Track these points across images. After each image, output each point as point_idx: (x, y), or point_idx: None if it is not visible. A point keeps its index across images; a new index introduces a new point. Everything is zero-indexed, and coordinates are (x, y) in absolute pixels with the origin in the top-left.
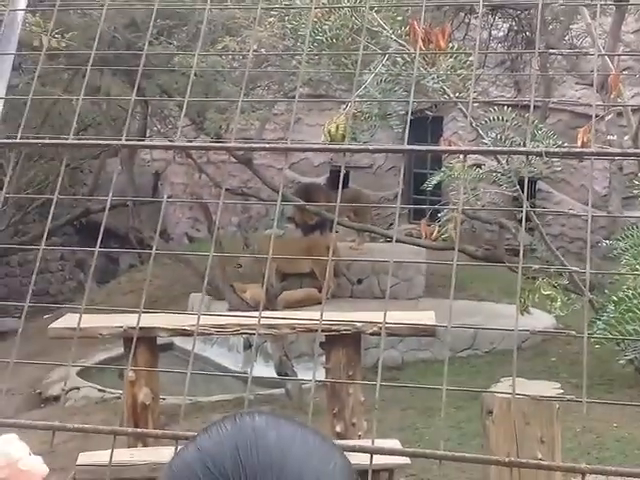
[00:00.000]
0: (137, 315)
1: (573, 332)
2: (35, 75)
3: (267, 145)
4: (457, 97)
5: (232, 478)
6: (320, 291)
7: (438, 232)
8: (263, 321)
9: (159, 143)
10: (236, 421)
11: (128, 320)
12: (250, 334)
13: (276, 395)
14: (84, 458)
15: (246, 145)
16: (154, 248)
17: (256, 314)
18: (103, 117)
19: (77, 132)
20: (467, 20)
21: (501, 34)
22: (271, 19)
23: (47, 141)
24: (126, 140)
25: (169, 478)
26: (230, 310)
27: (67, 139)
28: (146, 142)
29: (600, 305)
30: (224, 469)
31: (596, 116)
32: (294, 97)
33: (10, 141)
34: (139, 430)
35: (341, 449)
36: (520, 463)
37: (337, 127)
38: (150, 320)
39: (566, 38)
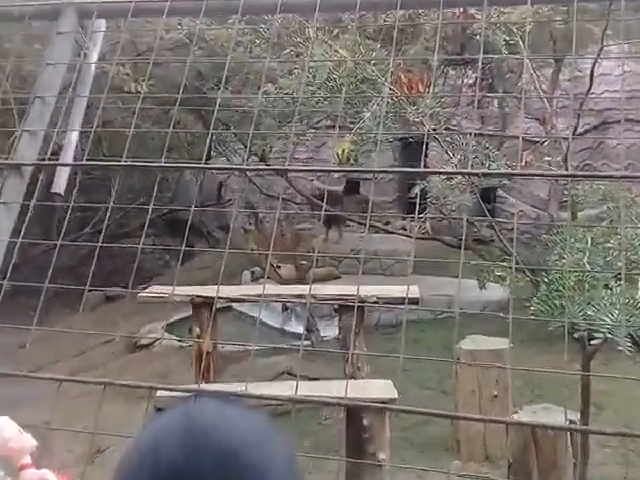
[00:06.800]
0: (203, 287)
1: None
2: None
3: (267, 166)
4: (434, 130)
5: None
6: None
7: (422, 228)
8: (294, 291)
9: (226, 166)
10: (186, 416)
11: (195, 291)
12: (286, 302)
13: (305, 345)
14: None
15: (261, 167)
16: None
17: (290, 287)
18: (180, 142)
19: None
20: (446, 71)
21: (471, 81)
22: (296, 69)
23: (145, 163)
24: (205, 163)
25: (126, 459)
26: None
27: (161, 161)
28: (217, 165)
29: (537, 284)
30: (174, 464)
31: (538, 142)
32: (317, 128)
33: (120, 163)
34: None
35: (280, 436)
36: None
37: (343, 151)
38: (210, 291)
39: (517, 85)
